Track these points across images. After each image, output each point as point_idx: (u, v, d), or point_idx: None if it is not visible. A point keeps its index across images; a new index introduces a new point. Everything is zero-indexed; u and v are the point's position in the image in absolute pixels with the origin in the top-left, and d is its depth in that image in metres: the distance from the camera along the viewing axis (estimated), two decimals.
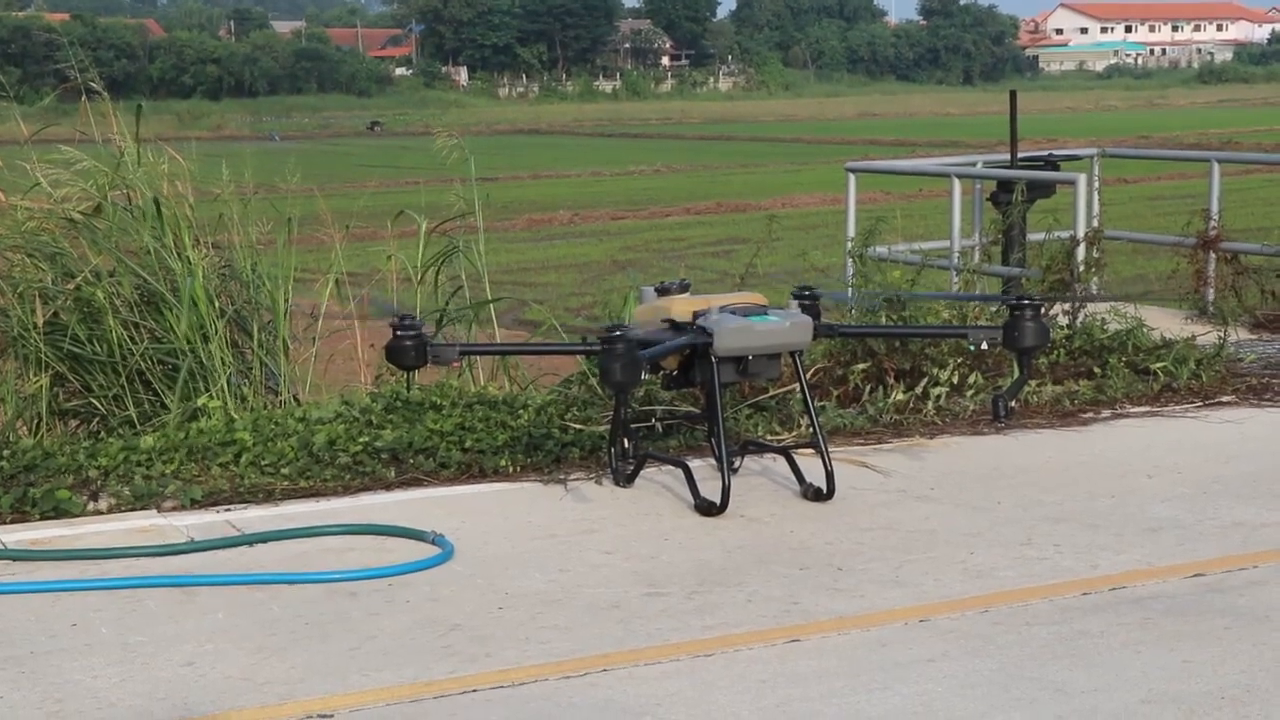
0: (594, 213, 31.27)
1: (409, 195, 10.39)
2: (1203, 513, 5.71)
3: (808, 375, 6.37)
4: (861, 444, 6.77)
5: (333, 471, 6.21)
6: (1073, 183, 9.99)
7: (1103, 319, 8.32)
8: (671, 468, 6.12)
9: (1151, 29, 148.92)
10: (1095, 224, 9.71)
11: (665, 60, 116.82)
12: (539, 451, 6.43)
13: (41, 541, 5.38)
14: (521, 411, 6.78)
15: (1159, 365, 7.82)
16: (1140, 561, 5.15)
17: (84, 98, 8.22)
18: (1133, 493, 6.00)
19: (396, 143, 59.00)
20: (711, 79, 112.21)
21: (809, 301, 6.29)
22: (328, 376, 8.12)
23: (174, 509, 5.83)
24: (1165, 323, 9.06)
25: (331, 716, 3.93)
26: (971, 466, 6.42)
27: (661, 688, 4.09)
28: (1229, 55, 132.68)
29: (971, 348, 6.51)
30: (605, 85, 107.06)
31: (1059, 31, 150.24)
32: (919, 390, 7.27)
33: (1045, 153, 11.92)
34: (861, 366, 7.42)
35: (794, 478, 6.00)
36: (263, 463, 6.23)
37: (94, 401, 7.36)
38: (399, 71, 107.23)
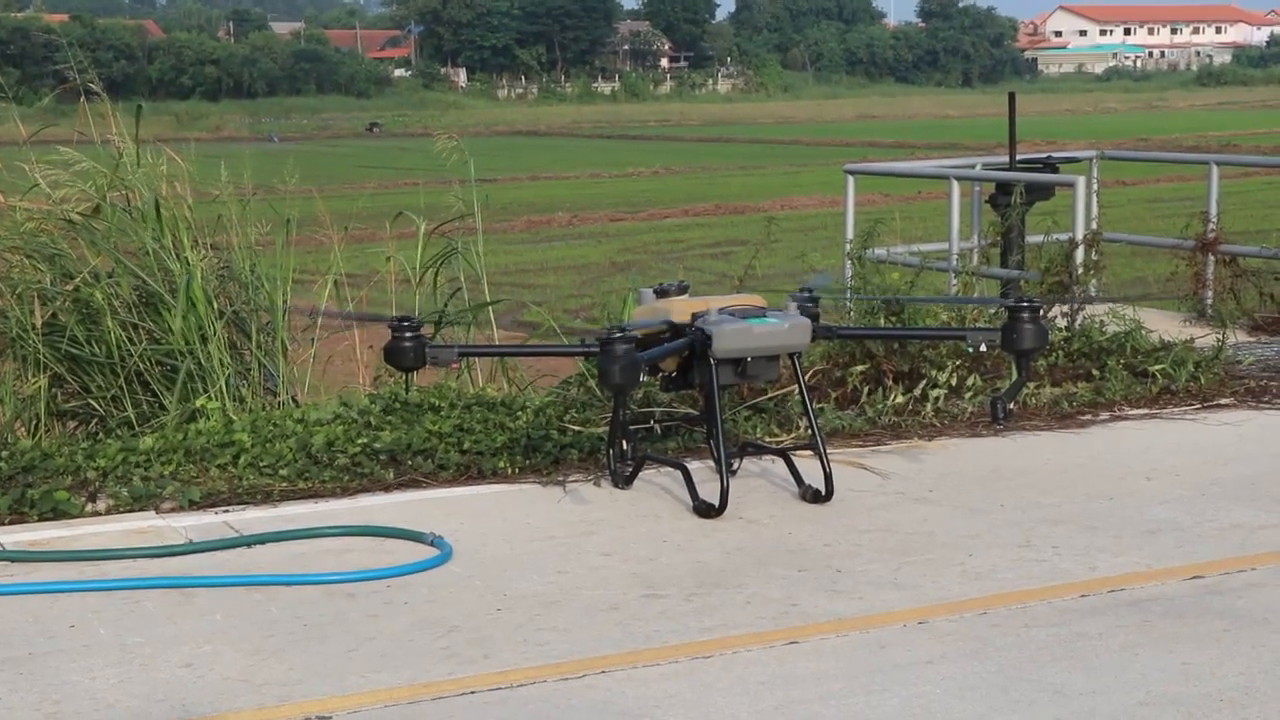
0: (593, 214, 31.28)
1: (408, 196, 10.39)
2: (1201, 515, 5.71)
3: (806, 377, 6.37)
4: (860, 446, 6.77)
5: (331, 473, 6.21)
6: (1071, 185, 10.00)
7: (1101, 321, 8.32)
8: (670, 469, 6.12)
9: (1150, 31, 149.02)
10: (1094, 226, 9.71)
11: (664, 62, 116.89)
12: (537, 453, 6.43)
13: (40, 542, 5.38)
14: (520, 413, 6.78)
15: (1157, 368, 7.82)
16: (1139, 564, 5.15)
17: (83, 99, 8.22)
18: (1131, 495, 6.00)
19: (395, 144, 59.01)
20: (710, 81, 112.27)
21: (808, 303, 6.30)
22: (326, 378, 8.12)
23: (172, 510, 5.83)
24: (1164, 325, 9.06)
25: (329, 718, 3.93)
26: (970, 468, 6.42)
27: (660, 689, 4.08)
28: (1228, 58, 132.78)
29: (970, 350, 6.52)
30: (604, 87, 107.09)
31: (1058, 34, 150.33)
32: (917, 392, 7.27)
33: (1044, 155, 11.93)
34: (860, 368, 7.42)
35: (792, 479, 6.00)
36: (261, 464, 6.23)
37: (92, 403, 7.35)
38: (398, 73, 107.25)
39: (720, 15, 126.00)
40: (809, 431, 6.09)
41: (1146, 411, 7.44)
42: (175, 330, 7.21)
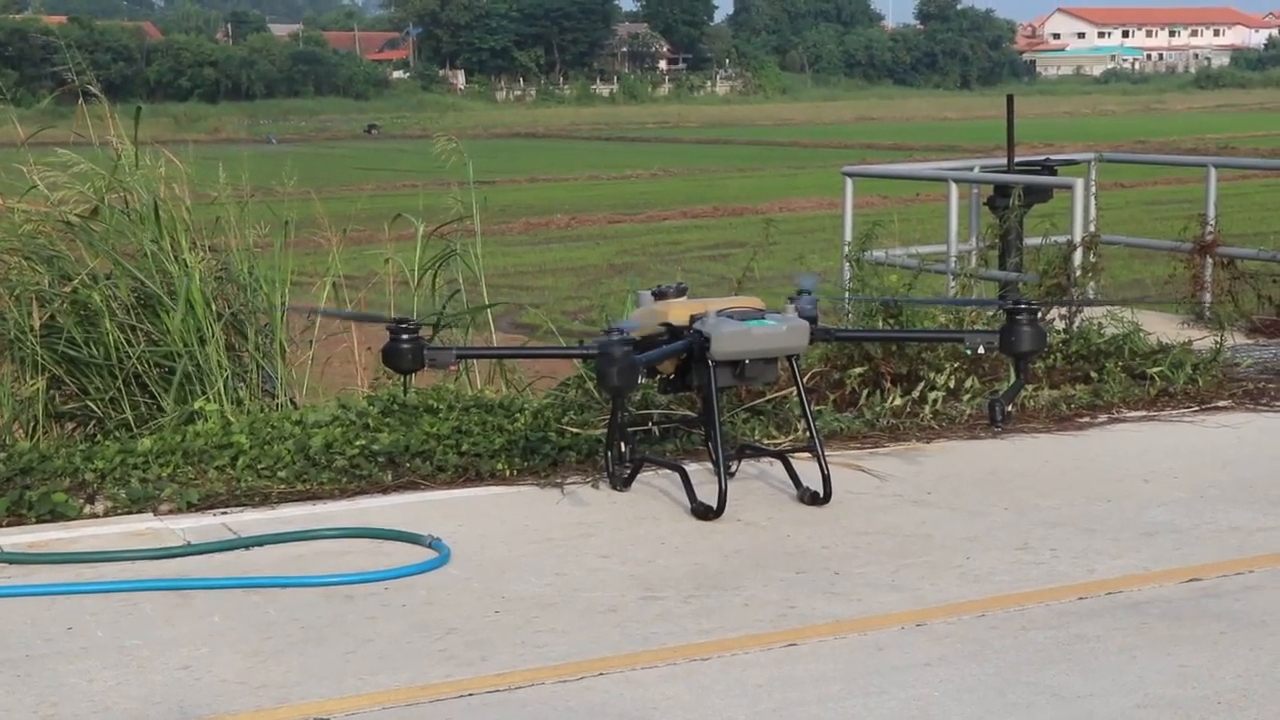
0: (591, 216, 31.29)
1: (406, 198, 10.39)
2: (1199, 517, 5.71)
3: (805, 379, 6.37)
4: (858, 448, 6.77)
5: (329, 475, 6.21)
6: (1070, 187, 10.01)
7: (1099, 323, 8.32)
8: (668, 471, 6.12)
9: (1149, 34, 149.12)
10: (1092, 228, 9.72)
11: (662, 64, 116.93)
12: (536, 455, 6.43)
13: (38, 544, 5.38)
14: (518, 415, 6.78)
15: (1156, 370, 7.83)
16: (1137, 566, 5.15)
17: (81, 100, 8.22)
18: (1129, 497, 6.00)
19: (394, 145, 59.01)
20: (709, 83, 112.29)
21: (806, 306, 6.29)
22: (324, 380, 8.12)
23: (170, 512, 5.83)
24: (1162, 327, 9.06)
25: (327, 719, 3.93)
26: (968, 471, 6.42)
27: (658, 691, 4.08)
28: (1226, 60, 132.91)
29: (968, 352, 6.52)
30: (602, 89, 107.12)
31: (1056, 36, 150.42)
32: (916, 394, 7.27)
33: (1042, 157, 11.94)
34: (858, 371, 7.42)
35: (790, 482, 6.00)
36: (259, 466, 6.23)
37: (91, 404, 7.35)
38: (396, 75, 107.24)
39: (719, 17, 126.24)
40: (807, 433, 6.09)
41: (1144, 414, 7.44)
42: (172, 329, 7.21)
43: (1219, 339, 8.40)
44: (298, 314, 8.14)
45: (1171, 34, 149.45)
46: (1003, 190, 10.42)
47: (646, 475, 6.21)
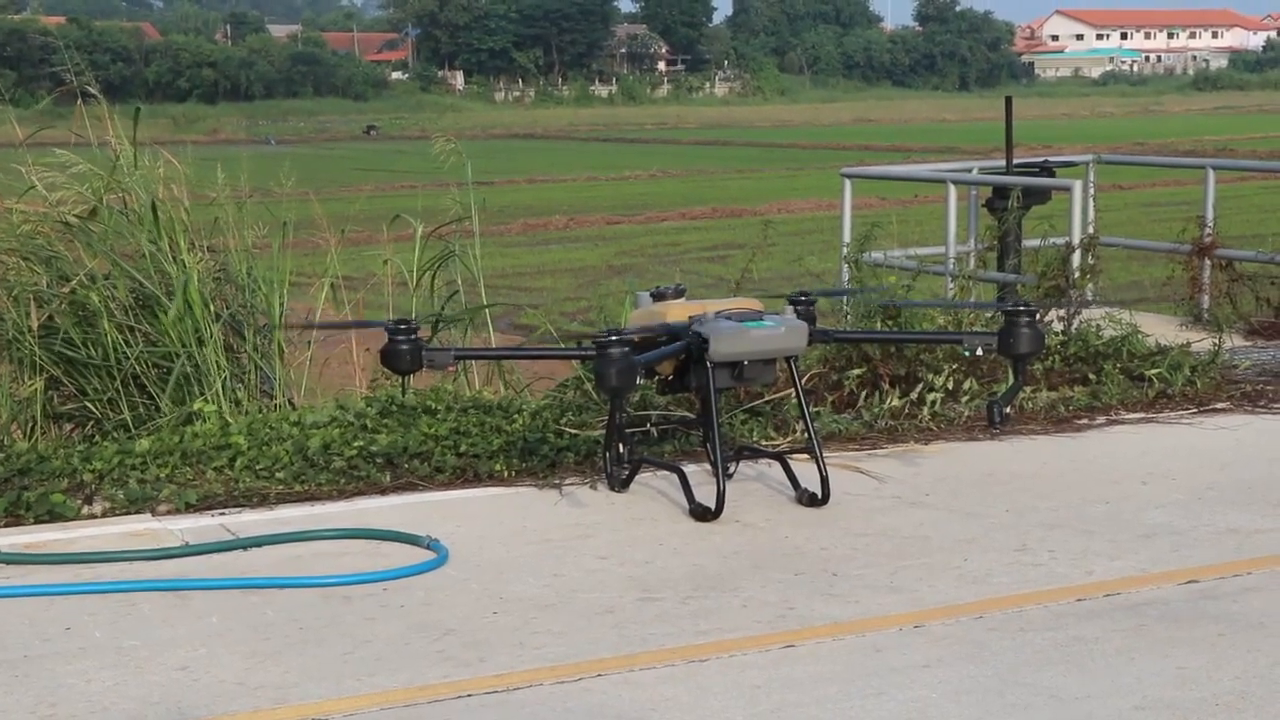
0: (590, 217, 31.28)
1: (405, 199, 10.41)
2: (1197, 519, 5.72)
3: (803, 380, 6.37)
4: (856, 449, 6.77)
5: (328, 475, 6.20)
6: (1068, 189, 10.00)
7: (1098, 325, 8.33)
8: (666, 473, 6.12)
9: (1147, 36, 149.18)
10: (1090, 230, 9.71)
11: (661, 65, 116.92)
12: (534, 456, 6.43)
13: (36, 545, 5.37)
14: (516, 416, 6.78)
15: (1154, 372, 7.83)
16: (1135, 568, 5.15)
17: (79, 101, 8.21)
18: (1127, 499, 6.00)
19: (392, 146, 59.01)
20: (707, 84, 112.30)
21: (804, 307, 6.30)
22: (323, 380, 8.12)
23: (169, 513, 5.83)
24: (1160, 329, 9.06)
25: None
26: (966, 472, 6.42)
27: (656, 693, 4.08)
28: (1224, 62, 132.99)
29: (967, 353, 6.52)
30: (601, 90, 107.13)
31: (1055, 38, 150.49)
32: (914, 396, 7.27)
33: (1041, 159, 11.93)
34: (857, 372, 7.42)
35: (789, 483, 6.00)
36: (257, 467, 6.23)
37: (89, 405, 7.35)
38: (395, 75, 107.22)
39: (717, 19, 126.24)
40: (805, 435, 6.09)
41: (1143, 416, 7.44)
42: (166, 326, 7.20)
43: (1217, 341, 8.40)
44: (293, 316, 8.13)
45: (1170, 36, 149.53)
46: (1001, 192, 10.42)
47: (645, 476, 6.21)
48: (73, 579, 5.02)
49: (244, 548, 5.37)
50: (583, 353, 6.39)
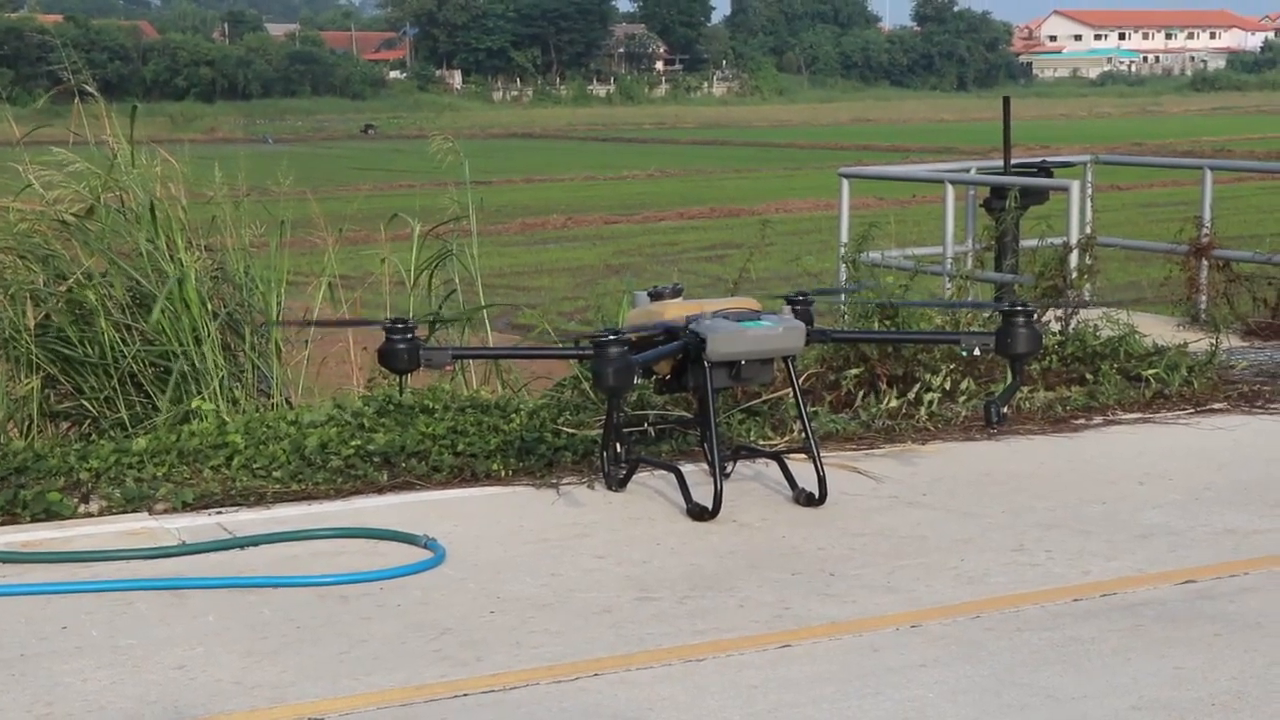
0: (587, 217, 31.27)
1: (403, 198, 10.41)
2: (1194, 519, 5.72)
3: (800, 380, 6.37)
4: (854, 449, 6.77)
5: (325, 475, 6.20)
6: (1066, 189, 10.01)
7: (1095, 325, 8.33)
8: (664, 472, 6.12)
9: (1145, 36, 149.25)
10: (1088, 230, 9.72)
11: (659, 65, 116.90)
12: (531, 455, 6.43)
13: (32, 544, 5.37)
14: (514, 415, 6.78)
15: (1151, 372, 7.83)
16: (1132, 568, 5.15)
17: (77, 99, 8.21)
18: (1124, 499, 6.01)
19: (390, 146, 58.99)
20: (705, 84, 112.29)
21: (802, 307, 6.30)
22: (320, 380, 8.11)
23: (165, 511, 5.82)
24: (1158, 329, 9.07)
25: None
26: (964, 472, 6.43)
27: (653, 692, 4.08)
28: (1222, 63, 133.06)
29: (964, 353, 6.52)
30: (599, 89, 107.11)
31: (1053, 38, 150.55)
32: (912, 396, 7.27)
33: (1039, 159, 11.94)
34: (854, 372, 7.43)
35: (786, 483, 6.00)
36: (254, 466, 6.22)
37: (85, 404, 7.35)
38: (393, 75, 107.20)
39: (715, 18, 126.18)
40: (803, 435, 6.09)
41: (1140, 416, 7.44)
42: (168, 330, 7.20)
43: (1214, 341, 8.40)
44: (291, 316, 8.13)
45: (1168, 36, 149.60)
46: (999, 192, 10.42)
47: (642, 476, 6.21)
48: (69, 578, 5.02)
49: (241, 547, 5.36)
50: (580, 352, 6.38)
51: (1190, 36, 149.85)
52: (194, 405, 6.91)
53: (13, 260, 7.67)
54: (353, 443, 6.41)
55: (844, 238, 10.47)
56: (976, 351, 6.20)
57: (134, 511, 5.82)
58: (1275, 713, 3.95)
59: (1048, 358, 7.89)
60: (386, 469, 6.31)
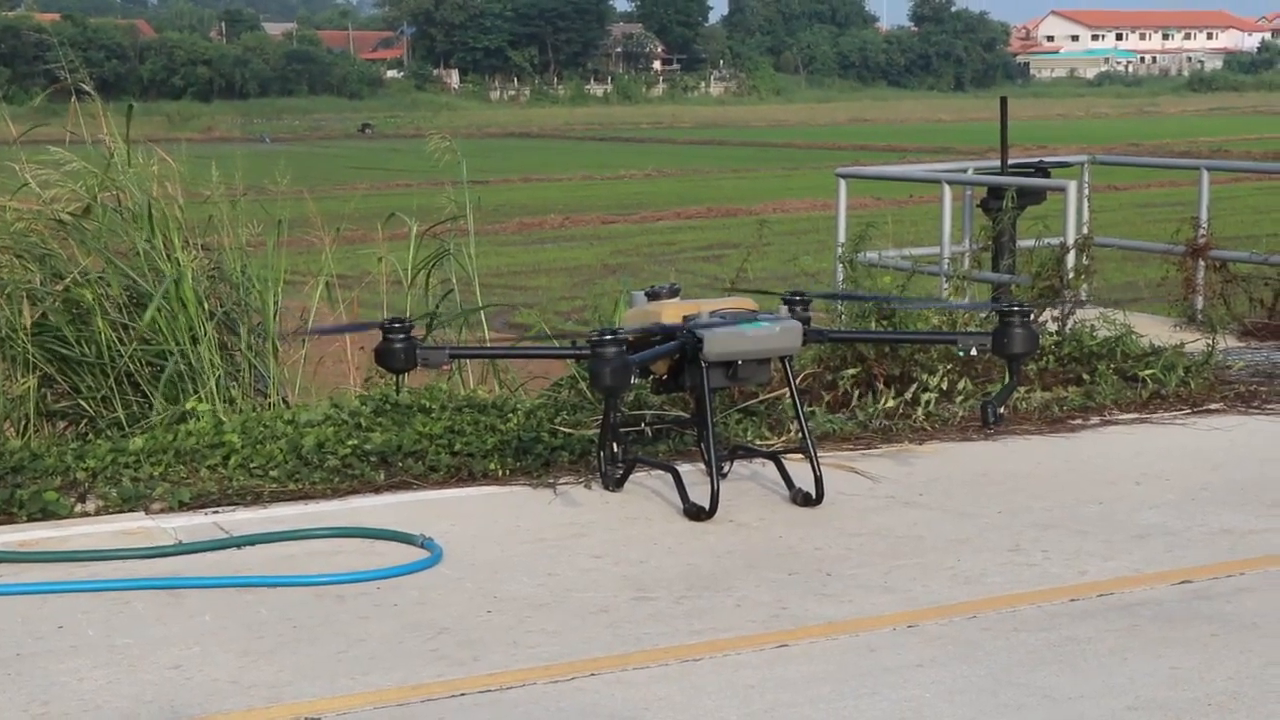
0: (585, 216, 31.27)
1: (400, 198, 10.41)
2: (1191, 520, 5.72)
3: (797, 380, 6.37)
4: (851, 449, 6.77)
5: (321, 474, 6.20)
6: (1063, 189, 10.01)
7: (1092, 326, 8.33)
8: (661, 472, 6.12)
9: (1142, 37, 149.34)
10: (1085, 231, 9.73)
11: (657, 64, 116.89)
12: (528, 455, 6.43)
13: (29, 543, 5.37)
14: (511, 415, 6.78)
15: (1148, 372, 7.84)
16: (1128, 568, 5.16)
17: (74, 98, 8.21)
18: (1121, 499, 6.01)
19: (387, 145, 58.98)
20: (703, 84, 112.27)
21: (799, 307, 6.30)
22: (317, 379, 8.11)
23: (162, 511, 5.82)
24: (1154, 330, 9.08)
25: (319, 719, 3.93)
26: (960, 472, 6.43)
27: (649, 692, 4.08)
28: (1219, 63, 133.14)
29: (961, 354, 6.52)
30: (596, 89, 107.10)
31: (1050, 38, 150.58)
32: (909, 396, 7.28)
33: (1036, 159, 11.94)
34: (851, 372, 7.43)
35: (783, 483, 6.00)
36: (251, 465, 6.22)
37: (82, 403, 7.34)
38: (390, 74, 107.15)
39: (713, 18, 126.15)
40: (800, 435, 6.09)
41: (1136, 416, 7.45)
42: (165, 329, 7.19)
43: (1211, 342, 8.41)
44: (289, 314, 8.13)
45: (1165, 37, 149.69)
46: (996, 192, 10.43)
47: (639, 476, 6.21)
48: (66, 577, 5.01)
49: (237, 546, 5.36)
50: (577, 352, 6.39)
51: (1187, 37, 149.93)
52: (190, 405, 6.91)
53: (9, 259, 7.67)
54: (349, 442, 6.41)
55: (841, 238, 10.47)
56: (973, 352, 6.21)
57: (130, 511, 5.81)
58: (1271, 713, 3.95)
59: (1044, 358, 7.89)
60: (383, 468, 6.31)
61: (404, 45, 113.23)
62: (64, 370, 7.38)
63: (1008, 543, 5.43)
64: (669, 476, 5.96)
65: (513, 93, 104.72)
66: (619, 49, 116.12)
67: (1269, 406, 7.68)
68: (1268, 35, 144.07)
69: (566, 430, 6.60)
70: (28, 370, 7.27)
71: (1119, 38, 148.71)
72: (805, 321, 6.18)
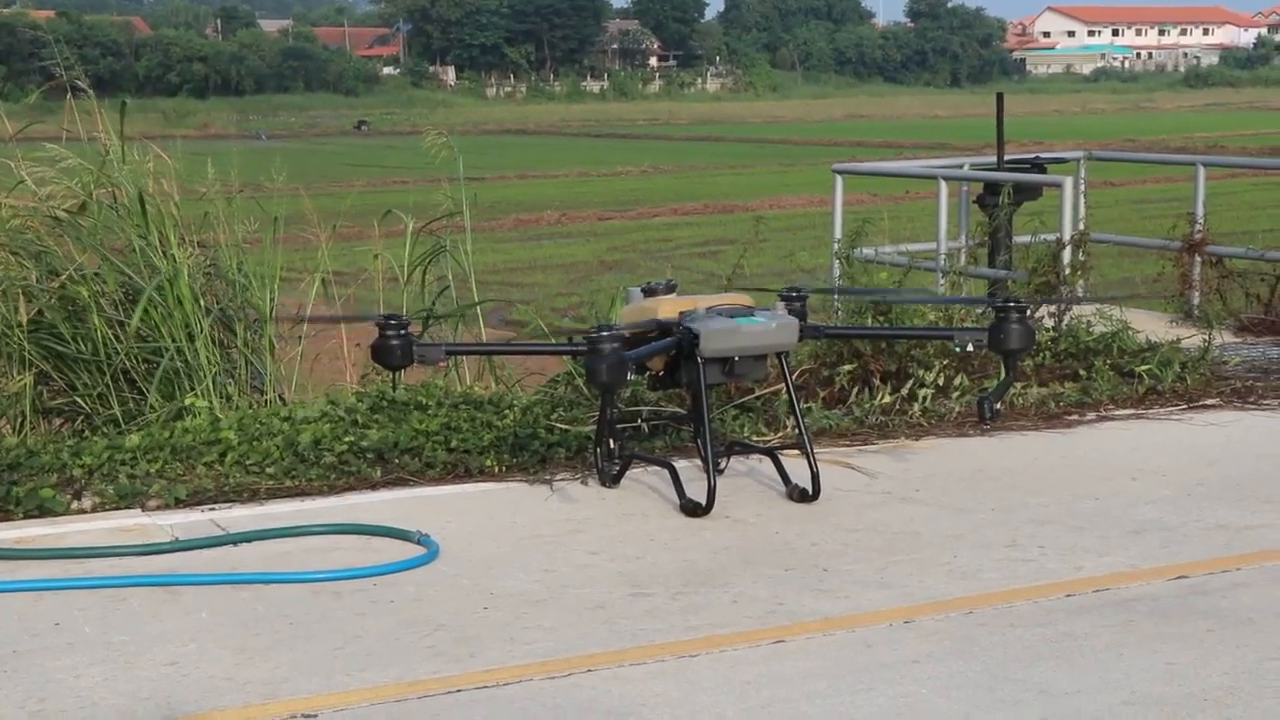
0: (581, 213, 31.26)
1: (396, 195, 10.40)
2: (1187, 515, 5.73)
3: (794, 376, 6.37)
4: (847, 445, 6.77)
5: (318, 471, 6.20)
6: (1059, 185, 10.01)
7: (1088, 321, 8.34)
8: (657, 468, 6.12)
9: (1138, 33, 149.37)
10: (1081, 227, 9.73)
11: (653, 61, 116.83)
12: (525, 452, 6.43)
13: (25, 540, 5.36)
14: (507, 411, 6.77)
15: (1144, 368, 7.84)
16: (1124, 564, 5.16)
17: (69, 95, 8.20)
18: (1117, 495, 6.01)
19: (383, 142, 58.94)
20: (699, 80, 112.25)
21: (795, 303, 6.30)
22: (313, 376, 8.11)
23: (158, 508, 5.82)
24: (1150, 326, 9.08)
25: (315, 716, 3.92)
26: (957, 468, 6.43)
27: (646, 688, 4.09)
28: (1215, 59, 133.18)
29: (957, 349, 6.52)
30: (593, 85, 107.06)
31: (1046, 34, 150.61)
32: (905, 392, 7.28)
33: (1032, 155, 11.95)
34: (848, 368, 7.43)
35: (779, 479, 6.00)
36: (248, 462, 6.22)
37: (78, 400, 7.34)
38: (386, 71, 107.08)
39: (709, 14, 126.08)
40: (796, 431, 6.09)
41: (1133, 412, 7.45)
42: (161, 326, 7.19)
43: (1207, 337, 8.42)
44: (285, 311, 8.12)
45: (1161, 33, 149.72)
46: (992, 188, 10.43)
47: (635, 472, 6.21)
48: (62, 574, 5.01)
49: (234, 543, 5.36)
50: (574, 348, 6.39)
51: (1184, 33, 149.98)
52: (187, 402, 6.90)
53: (5, 256, 7.65)
54: (346, 439, 6.41)
55: (838, 234, 10.46)
56: (970, 347, 6.21)
57: (127, 508, 5.81)
58: (1267, 708, 3.96)
59: (1041, 354, 7.90)
60: (380, 465, 6.31)
61: (400, 42, 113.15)
62: (60, 367, 7.38)
63: (1004, 538, 5.44)
64: (665, 472, 5.96)
65: (509, 89, 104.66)
66: (615, 45, 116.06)
67: (1265, 402, 7.68)
68: (1264, 31, 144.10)
69: (563, 426, 6.60)
70: (24, 367, 7.27)
71: (1115, 33, 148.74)
72: (802, 317, 6.18)
